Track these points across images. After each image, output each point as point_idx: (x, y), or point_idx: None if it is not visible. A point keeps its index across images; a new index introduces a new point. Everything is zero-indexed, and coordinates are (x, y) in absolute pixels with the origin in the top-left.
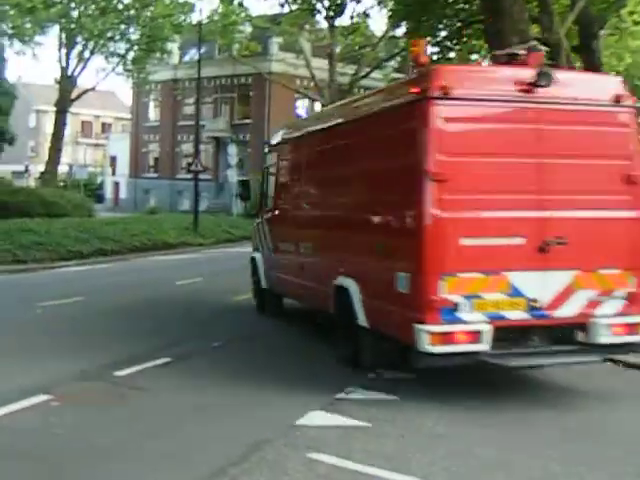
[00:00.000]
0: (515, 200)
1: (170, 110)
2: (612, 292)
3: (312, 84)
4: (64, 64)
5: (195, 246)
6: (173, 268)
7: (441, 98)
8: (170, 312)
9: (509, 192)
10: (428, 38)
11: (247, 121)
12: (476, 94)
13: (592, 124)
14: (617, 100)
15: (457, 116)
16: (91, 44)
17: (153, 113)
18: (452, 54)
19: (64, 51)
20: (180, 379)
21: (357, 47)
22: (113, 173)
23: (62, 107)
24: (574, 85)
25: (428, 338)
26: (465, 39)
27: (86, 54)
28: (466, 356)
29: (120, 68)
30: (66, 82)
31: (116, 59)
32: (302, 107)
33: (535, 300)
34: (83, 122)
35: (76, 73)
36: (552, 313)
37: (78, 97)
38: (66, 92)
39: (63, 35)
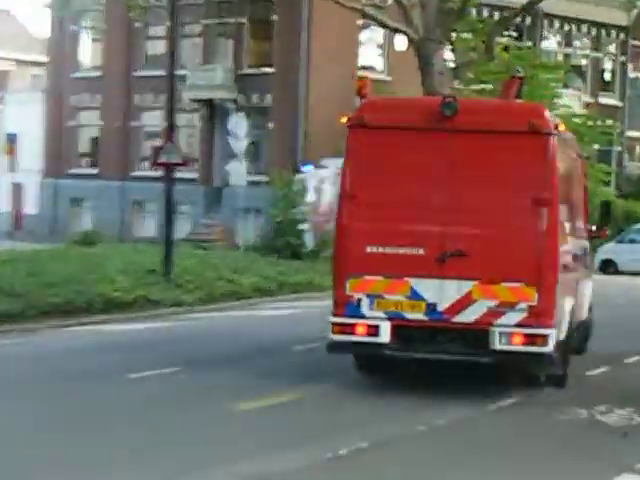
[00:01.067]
0: (418, 215)
1: (121, 49)
2: (514, 304)
3: (389, 0)
4: None
5: (166, 307)
6: (124, 348)
7: (359, 127)
8: (119, 436)
9: (413, 208)
10: None
11: (267, 70)
12: (391, 123)
13: (501, 149)
14: (531, 128)
15: (371, 142)
16: None
17: (89, 54)
18: None
19: None
20: None
21: None
22: (11, 168)
23: None
24: (487, 113)
25: (332, 328)
26: None
27: None
28: (367, 347)
29: None
30: None
31: None
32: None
33: (435, 304)
34: None
35: None
36: (451, 318)
37: None
38: None
39: None
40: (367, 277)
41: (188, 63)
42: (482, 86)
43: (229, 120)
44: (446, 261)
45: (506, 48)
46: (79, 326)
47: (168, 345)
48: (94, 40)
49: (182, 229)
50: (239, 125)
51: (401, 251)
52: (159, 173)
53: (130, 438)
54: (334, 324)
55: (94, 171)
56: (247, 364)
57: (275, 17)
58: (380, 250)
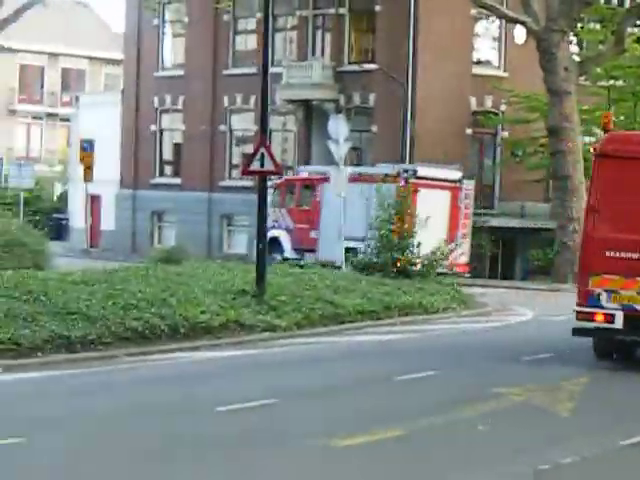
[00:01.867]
0: None
1: (206, 44)
2: None
3: None
4: None
5: (259, 331)
6: (212, 378)
7: (603, 156)
8: (205, 474)
9: None
10: None
11: (369, 67)
12: (627, 154)
13: None
14: None
15: (611, 168)
16: None
17: (172, 50)
18: None
19: None
20: None
21: None
22: (87, 178)
23: None
24: None
25: (576, 315)
26: None
27: None
28: (604, 332)
29: None
30: None
31: None
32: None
33: None
34: (23, 68)
35: None
36: None
37: (12, 19)
38: None
39: None
40: (606, 276)
41: (282, 60)
42: (611, 82)
43: (328, 123)
44: None
45: (639, 40)
46: (162, 353)
47: (260, 374)
48: (176, 35)
49: None
50: (339, 128)
51: (634, 256)
52: (250, 183)
53: (217, 476)
54: (578, 312)
55: (177, 181)
56: (345, 397)
57: (378, 8)
58: (617, 255)
